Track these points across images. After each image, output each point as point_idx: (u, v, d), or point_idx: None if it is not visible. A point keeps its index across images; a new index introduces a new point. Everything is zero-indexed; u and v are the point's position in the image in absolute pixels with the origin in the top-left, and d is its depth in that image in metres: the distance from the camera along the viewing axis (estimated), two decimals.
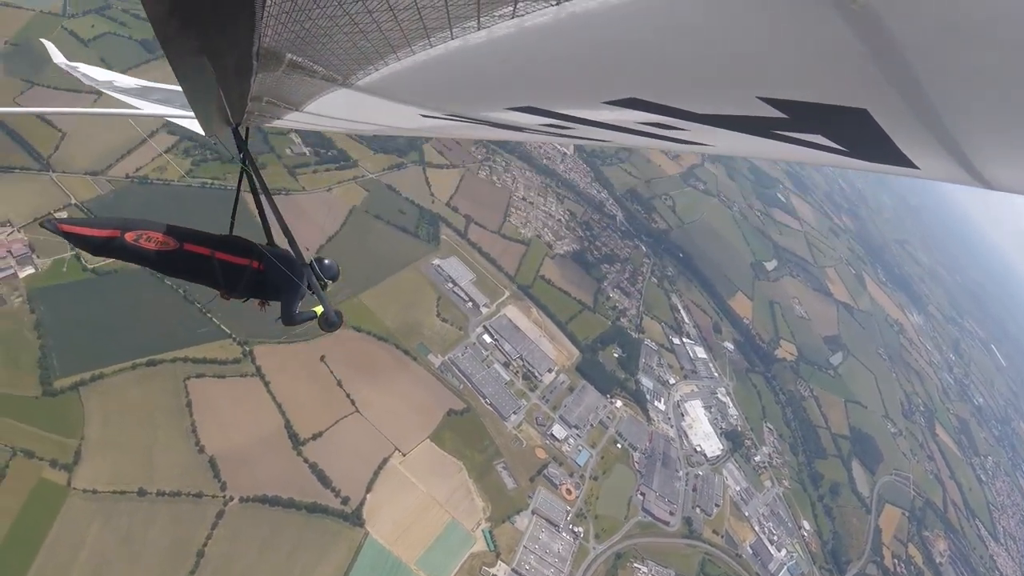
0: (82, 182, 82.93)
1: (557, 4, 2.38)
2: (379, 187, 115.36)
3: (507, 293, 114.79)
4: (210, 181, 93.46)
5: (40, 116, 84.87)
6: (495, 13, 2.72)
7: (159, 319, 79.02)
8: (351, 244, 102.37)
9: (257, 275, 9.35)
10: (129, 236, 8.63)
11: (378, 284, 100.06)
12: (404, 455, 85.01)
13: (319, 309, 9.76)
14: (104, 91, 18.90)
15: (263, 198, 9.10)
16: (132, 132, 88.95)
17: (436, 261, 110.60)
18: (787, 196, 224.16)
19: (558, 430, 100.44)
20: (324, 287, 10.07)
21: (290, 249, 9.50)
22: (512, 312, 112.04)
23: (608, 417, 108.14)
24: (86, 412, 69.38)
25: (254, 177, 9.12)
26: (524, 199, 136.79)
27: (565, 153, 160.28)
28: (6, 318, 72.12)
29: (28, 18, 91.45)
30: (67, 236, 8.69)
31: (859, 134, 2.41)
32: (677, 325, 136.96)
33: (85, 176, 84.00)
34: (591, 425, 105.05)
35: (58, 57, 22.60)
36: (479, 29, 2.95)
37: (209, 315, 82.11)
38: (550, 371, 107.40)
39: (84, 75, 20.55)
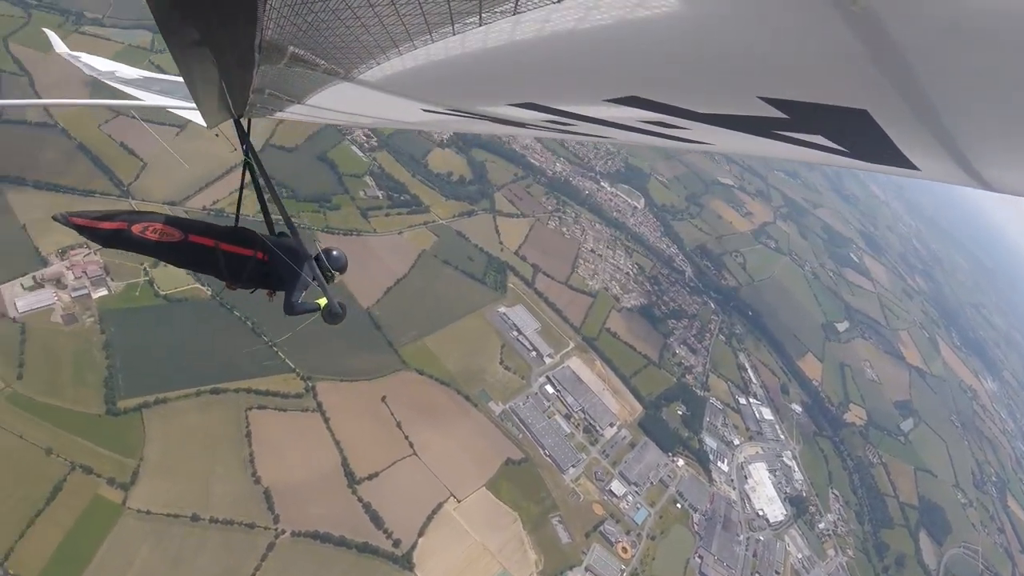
0: (159, 211, 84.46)
1: (558, 1, 2.38)
2: (449, 233, 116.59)
3: (572, 344, 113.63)
4: None
5: (124, 145, 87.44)
6: (496, 9, 2.70)
7: (226, 349, 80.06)
8: (419, 287, 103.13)
9: (262, 266, 9.77)
10: (136, 228, 9.14)
11: (443, 328, 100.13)
12: (459, 501, 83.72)
13: (323, 301, 10.02)
14: (106, 81, 18.99)
15: (265, 190, 9.48)
16: (210, 166, 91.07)
17: (502, 309, 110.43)
18: (860, 256, 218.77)
19: (617, 486, 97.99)
20: (332, 278, 10.35)
21: (295, 240, 9.85)
22: (576, 364, 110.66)
23: (669, 476, 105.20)
24: (147, 434, 70.20)
25: (256, 169, 9.30)
26: (593, 251, 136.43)
27: (636, 207, 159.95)
28: (77, 336, 74.08)
29: (117, 50, 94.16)
30: (78, 228, 9.20)
31: (859, 135, 2.45)
32: (744, 385, 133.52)
33: (163, 206, 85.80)
34: (651, 483, 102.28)
35: (60, 47, 22.89)
36: (480, 25, 2.91)
37: (275, 348, 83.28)
38: (612, 425, 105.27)
39: (86, 65, 20.63)
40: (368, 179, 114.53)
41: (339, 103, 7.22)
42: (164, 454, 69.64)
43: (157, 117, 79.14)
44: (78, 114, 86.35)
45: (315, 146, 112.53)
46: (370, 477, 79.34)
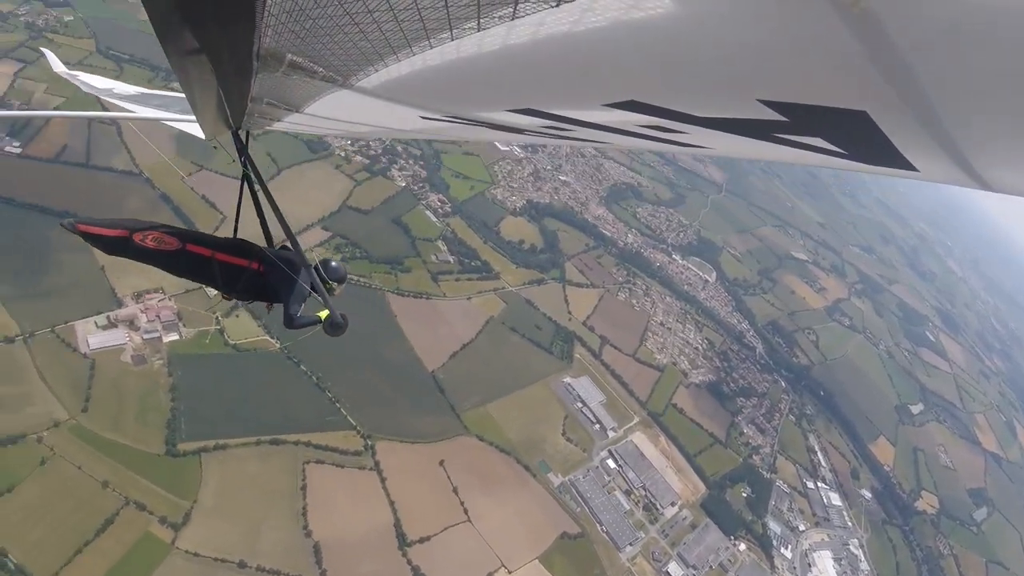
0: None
1: (557, 5, 2.39)
2: (518, 300, 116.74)
3: (636, 419, 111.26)
4: (356, 277, 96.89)
5: (205, 198, 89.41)
6: (495, 14, 2.69)
7: (289, 401, 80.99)
8: (485, 353, 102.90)
9: (257, 277, 9.80)
10: (137, 237, 9.23)
11: (507, 396, 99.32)
12: (510, 573, 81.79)
13: (324, 314, 9.95)
14: (104, 98, 19.61)
15: (264, 201, 9.74)
16: (288, 223, 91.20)
17: (567, 379, 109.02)
18: (936, 335, 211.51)
19: (674, 568, 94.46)
20: (331, 290, 10.26)
21: (294, 253, 9.91)
22: (639, 439, 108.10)
23: (729, 560, 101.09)
24: (203, 478, 71.13)
25: (255, 181, 9.60)
26: (662, 324, 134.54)
27: (707, 280, 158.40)
28: (145, 377, 75.73)
29: None
30: (84, 235, 9.28)
31: (859, 136, 2.46)
32: (813, 468, 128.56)
33: None
34: (710, 566, 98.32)
35: (58, 66, 23.40)
36: (479, 30, 2.91)
37: (338, 404, 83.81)
38: (673, 505, 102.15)
39: (83, 83, 21.32)
40: (440, 244, 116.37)
41: (337, 111, 7.34)
42: (218, 499, 70.34)
43: (239, 174, 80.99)
44: (162, 166, 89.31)
45: (390, 209, 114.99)
46: (422, 540, 78.42)
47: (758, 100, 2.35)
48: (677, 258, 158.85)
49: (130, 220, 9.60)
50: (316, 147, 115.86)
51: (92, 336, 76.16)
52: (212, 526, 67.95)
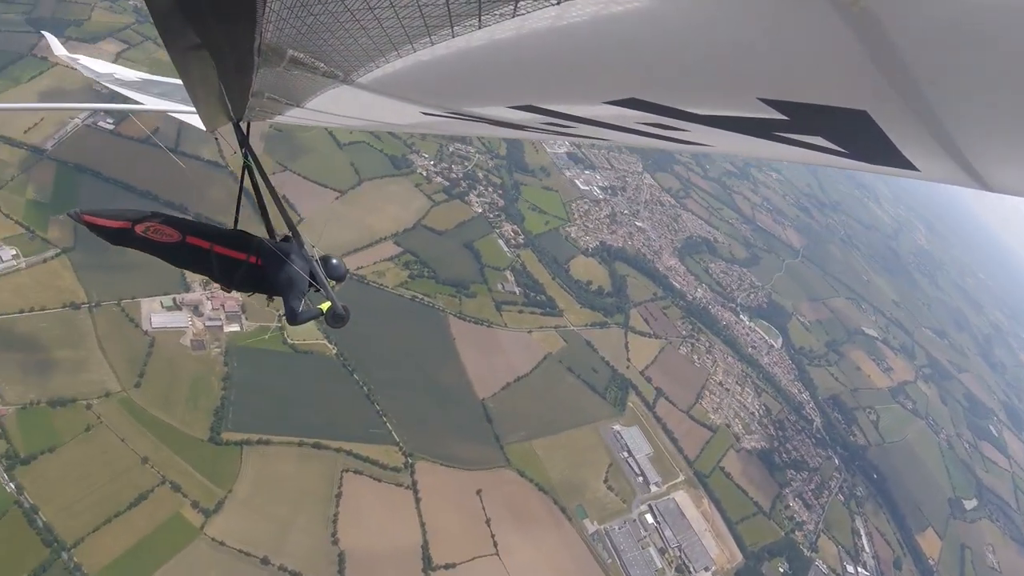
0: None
1: (558, 3, 2.39)
2: (578, 340, 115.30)
3: (681, 476, 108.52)
4: (421, 296, 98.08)
5: (284, 198, 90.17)
6: (496, 12, 2.71)
7: (337, 408, 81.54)
8: (538, 389, 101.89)
9: (255, 270, 9.73)
10: (139, 228, 9.23)
11: (553, 435, 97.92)
12: None
13: (326, 306, 9.92)
14: (105, 83, 19.53)
15: (264, 193, 9.71)
16: (362, 234, 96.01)
17: (617, 427, 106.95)
18: (1000, 430, 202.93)
19: None
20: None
21: (294, 246, 9.93)
22: (682, 498, 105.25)
23: None
24: (242, 470, 71.84)
25: (256, 173, 9.58)
26: (721, 384, 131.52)
27: (772, 345, 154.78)
28: (201, 363, 77.19)
29: None
30: (88, 226, 9.29)
31: (859, 136, 2.52)
32: (855, 552, 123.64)
33: None
34: None
35: (59, 50, 23.57)
36: (480, 28, 2.93)
37: (384, 419, 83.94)
38: (707, 570, 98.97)
39: (84, 67, 21.43)
40: (508, 274, 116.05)
41: (338, 106, 7.36)
42: (253, 492, 70.88)
43: (321, 179, 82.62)
44: None
45: (464, 233, 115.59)
46: (447, 567, 77.62)
47: (759, 98, 2.36)
48: (744, 319, 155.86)
49: (133, 211, 9.58)
50: (399, 163, 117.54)
51: (156, 315, 78.13)
52: (242, 518, 68.50)
